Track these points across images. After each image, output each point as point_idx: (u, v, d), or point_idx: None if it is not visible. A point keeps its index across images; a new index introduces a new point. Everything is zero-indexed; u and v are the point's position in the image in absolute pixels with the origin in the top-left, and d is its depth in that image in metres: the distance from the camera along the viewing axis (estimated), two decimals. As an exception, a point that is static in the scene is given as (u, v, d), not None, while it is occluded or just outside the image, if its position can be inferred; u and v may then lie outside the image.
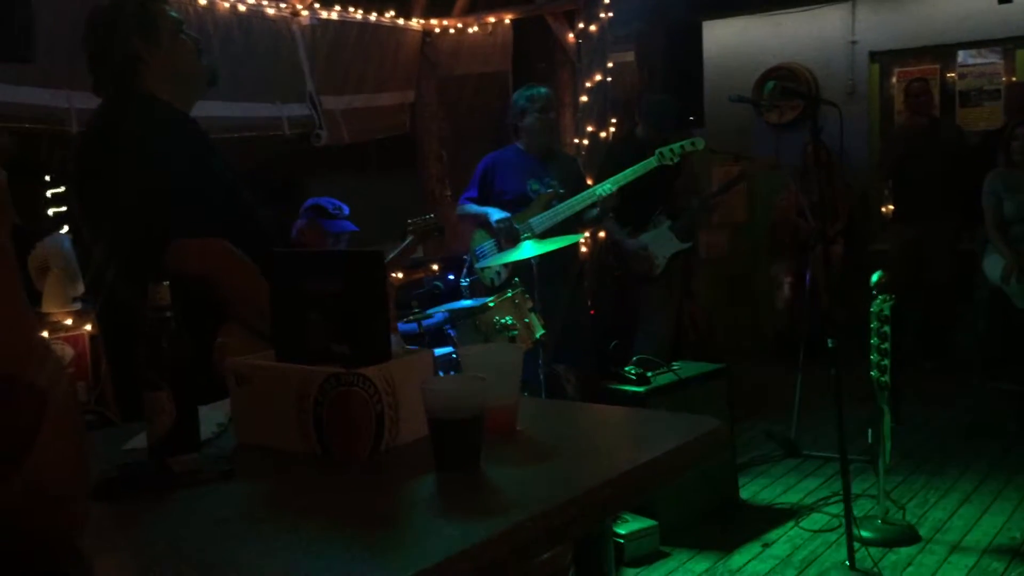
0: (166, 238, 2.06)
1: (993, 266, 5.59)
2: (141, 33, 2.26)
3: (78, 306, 4.28)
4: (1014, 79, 6.98)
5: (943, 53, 7.31)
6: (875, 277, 3.79)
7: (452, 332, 4.02)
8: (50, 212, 5.27)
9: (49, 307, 4.21)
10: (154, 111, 2.23)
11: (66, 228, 4.76)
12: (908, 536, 3.83)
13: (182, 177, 2.12)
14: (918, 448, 4.93)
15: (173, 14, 2.35)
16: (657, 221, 5.24)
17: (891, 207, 7.00)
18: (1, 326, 0.84)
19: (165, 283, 1.46)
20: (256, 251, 2.09)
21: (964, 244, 6.44)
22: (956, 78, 7.33)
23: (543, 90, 4.72)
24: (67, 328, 4.17)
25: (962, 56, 7.29)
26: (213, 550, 1.17)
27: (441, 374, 3.13)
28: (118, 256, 2.16)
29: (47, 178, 5.33)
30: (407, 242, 4.39)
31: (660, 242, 5.22)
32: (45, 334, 3.99)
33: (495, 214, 4.53)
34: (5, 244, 0.87)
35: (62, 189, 5.27)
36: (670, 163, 4.77)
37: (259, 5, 5.18)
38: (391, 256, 4.32)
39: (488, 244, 4.63)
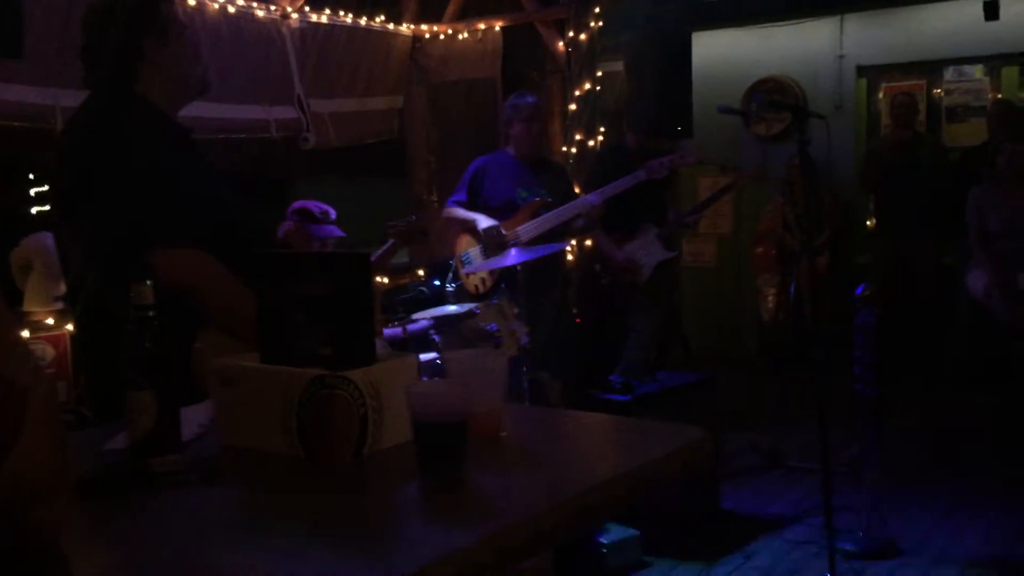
0: (146, 241, 2.05)
1: (975, 281, 5.62)
2: (151, 30, 2.24)
3: (60, 306, 4.25)
4: (999, 96, 7.04)
5: (930, 69, 7.36)
6: (860, 290, 3.81)
7: (437, 338, 4.02)
8: (34, 210, 5.24)
9: (31, 306, 4.17)
10: (142, 111, 2.21)
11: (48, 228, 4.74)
12: (889, 549, 3.84)
13: (165, 179, 2.11)
14: (901, 461, 4.94)
15: (180, 17, 2.35)
16: (645, 229, 5.24)
17: (874, 221, 7.05)
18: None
19: (148, 282, 1.45)
20: (239, 256, 2.08)
21: (946, 258, 6.48)
22: (942, 94, 7.38)
23: (530, 99, 4.74)
24: (48, 328, 4.14)
25: (949, 72, 7.35)
26: (193, 551, 1.16)
27: (425, 379, 3.12)
28: (97, 256, 2.14)
29: (31, 176, 5.30)
30: (387, 245, 4.37)
31: (647, 250, 5.22)
32: (26, 333, 3.95)
33: (483, 221, 4.52)
34: None
35: (46, 188, 5.25)
36: (659, 176, 4.78)
37: (249, 7, 5.17)
38: (373, 257, 4.29)
39: (475, 250, 4.62)
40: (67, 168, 2.23)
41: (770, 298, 7.12)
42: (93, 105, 2.27)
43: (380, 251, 4.30)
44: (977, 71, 7.27)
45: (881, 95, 7.60)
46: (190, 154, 2.26)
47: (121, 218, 2.07)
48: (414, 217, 4.46)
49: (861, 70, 7.46)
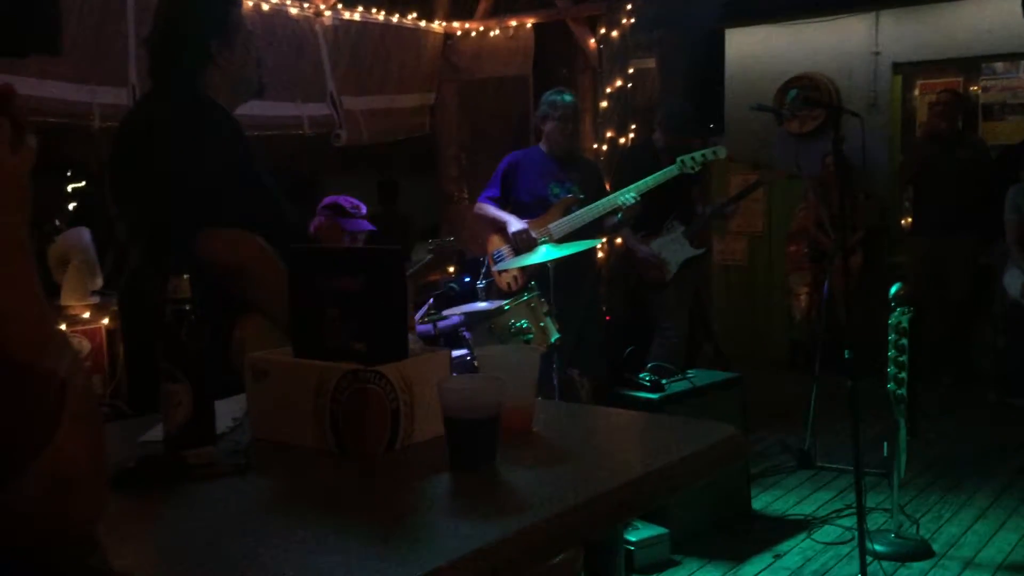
0: (196, 229, 2.09)
1: (1013, 281, 5.55)
2: (220, 35, 2.31)
3: (96, 299, 4.31)
4: (1038, 93, 6.94)
5: (967, 66, 7.27)
6: (893, 289, 3.77)
7: (467, 334, 4.03)
8: (70, 206, 5.32)
9: (68, 300, 4.23)
10: (203, 104, 2.27)
11: (85, 222, 4.80)
12: (921, 551, 3.81)
13: (223, 173, 2.15)
14: (933, 463, 4.90)
15: (245, 23, 2.40)
16: (671, 227, 5.23)
17: (910, 220, 6.97)
18: (20, 316, 0.85)
19: (185, 276, 1.47)
20: (283, 249, 2.11)
21: (983, 259, 6.40)
22: (980, 91, 7.29)
23: (568, 98, 4.72)
24: (85, 321, 4.20)
25: (986, 69, 7.25)
26: (227, 543, 1.17)
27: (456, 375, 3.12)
28: (146, 240, 2.19)
29: (68, 173, 5.37)
30: (426, 260, 4.39)
31: (673, 248, 5.20)
32: (63, 327, 4.01)
33: (513, 224, 4.52)
34: (23, 237, 0.87)
35: (83, 184, 5.32)
36: (691, 171, 4.76)
37: (282, 4, 5.21)
38: (409, 272, 4.31)
39: (506, 248, 4.63)
40: (127, 150, 2.28)
41: (802, 297, 7.07)
42: (156, 95, 2.33)
43: (418, 265, 4.31)
44: (1015, 68, 7.17)
45: (917, 92, 7.51)
46: (245, 148, 2.30)
47: (175, 202, 2.11)
48: (452, 239, 4.52)
49: (897, 67, 7.38)
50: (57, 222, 4.63)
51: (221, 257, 2.06)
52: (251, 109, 4.88)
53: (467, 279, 5.50)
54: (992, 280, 6.14)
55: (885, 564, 3.65)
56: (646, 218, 5.06)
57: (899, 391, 3.69)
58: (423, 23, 6.26)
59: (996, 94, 7.23)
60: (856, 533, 3.60)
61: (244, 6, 4.92)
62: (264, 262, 2.11)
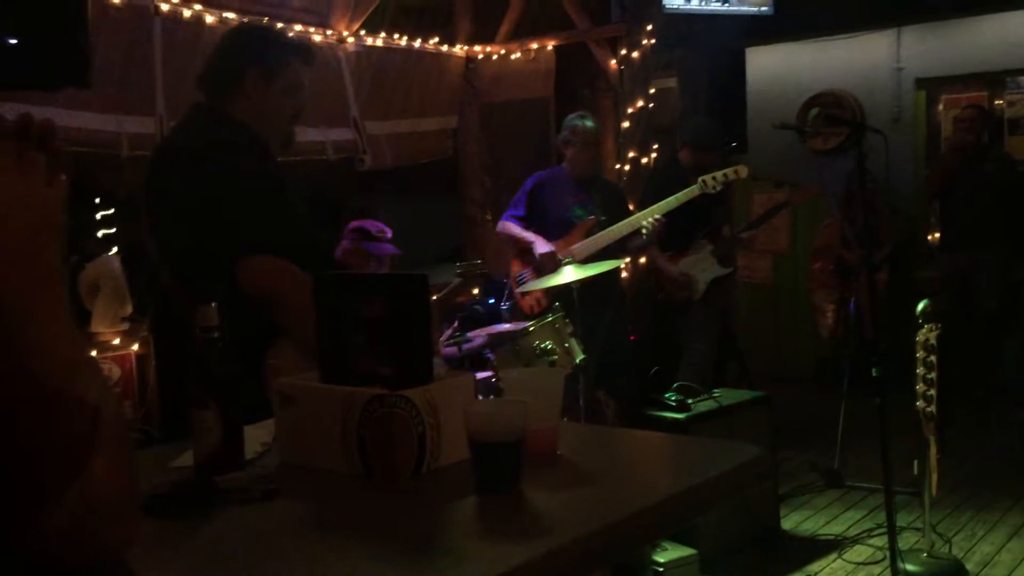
0: (234, 256, 2.11)
1: (1042, 296, 5.50)
2: (258, 66, 2.33)
3: (126, 326, 4.36)
4: (1063, 107, 6.89)
5: (991, 80, 7.23)
6: (921, 305, 3.74)
7: (492, 356, 4.03)
8: (99, 234, 5.39)
9: (98, 327, 4.29)
10: (238, 129, 2.30)
11: (115, 249, 4.86)
12: (954, 570, 3.75)
13: (257, 199, 2.18)
14: (965, 480, 4.84)
15: (305, 80, 2.42)
16: (699, 245, 5.21)
17: (937, 235, 6.91)
18: (52, 345, 0.86)
19: (213, 303, 1.49)
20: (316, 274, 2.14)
21: (1011, 273, 6.33)
22: (1004, 105, 7.24)
23: (589, 124, 4.73)
24: (115, 347, 4.25)
25: (1011, 83, 7.21)
26: (257, 567, 1.19)
27: (480, 398, 3.13)
28: (176, 263, 2.22)
29: (97, 200, 5.45)
30: (454, 284, 4.41)
31: (701, 267, 5.18)
32: (94, 353, 4.05)
33: (540, 246, 4.52)
34: (56, 267, 0.89)
35: (112, 211, 5.39)
36: (712, 191, 4.76)
37: (306, 32, 5.27)
38: (437, 297, 4.33)
39: (529, 271, 4.63)
40: (163, 174, 2.32)
41: (829, 314, 7.01)
42: (192, 118, 2.37)
43: (446, 290, 4.33)
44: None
45: (941, 107, 7.48)
46: (278, 175, 2.33)
47: (211, 229, 2.14)
48: (479, 261, 4.53)
49: (920, 82, 7.35)
50: (84, 251, 4.69)
51: (261, 286, 2.09)
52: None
53: (491, 300, 5.51)
54: (1021, 295, 6.07)
55: (917, 584, 3.61)
56: (672, 238, 5.05)
57: (928, 408, 3.66)
58: (445, 47, 6.31)
59: (1022, 108, 7.18)
60: (888, 553, 3.56)
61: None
62: (301, 292, 2.14)
